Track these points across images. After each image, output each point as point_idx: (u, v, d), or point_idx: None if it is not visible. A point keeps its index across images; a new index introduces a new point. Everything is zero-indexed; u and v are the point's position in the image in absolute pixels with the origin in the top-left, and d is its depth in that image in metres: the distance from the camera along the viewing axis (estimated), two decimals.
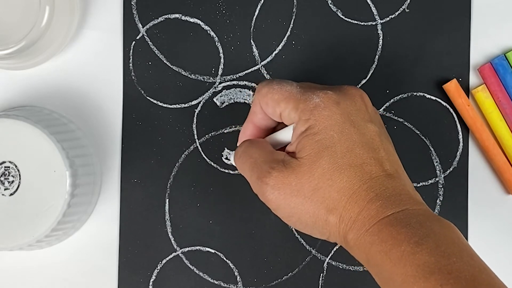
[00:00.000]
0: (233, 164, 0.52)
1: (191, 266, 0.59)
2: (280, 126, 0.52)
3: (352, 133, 0.46)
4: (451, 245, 0.42)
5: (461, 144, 0.59)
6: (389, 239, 0.42)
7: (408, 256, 0.41)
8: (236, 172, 0.59)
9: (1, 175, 0.53)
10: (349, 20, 0.59)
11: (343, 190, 0.45)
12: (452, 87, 0.58)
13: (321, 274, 0.59)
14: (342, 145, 0.46)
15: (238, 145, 0.52)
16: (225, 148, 0.59)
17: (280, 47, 0.59)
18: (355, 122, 0.46)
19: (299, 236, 0.59)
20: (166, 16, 0.59)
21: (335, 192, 0.45)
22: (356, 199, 0.45)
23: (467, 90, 0.59)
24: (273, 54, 0.59)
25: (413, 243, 0.42)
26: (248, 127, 0.52)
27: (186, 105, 0.59)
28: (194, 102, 0.59)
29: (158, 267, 0.59)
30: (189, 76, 0.59)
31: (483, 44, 0.59)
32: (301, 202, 0.45)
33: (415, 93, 0.59)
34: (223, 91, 0.59)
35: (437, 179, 0.59)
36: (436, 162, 0.59)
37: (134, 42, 0.59)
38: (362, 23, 0.59)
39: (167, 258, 0.59)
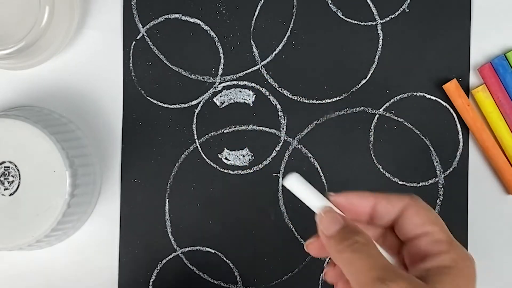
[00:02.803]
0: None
1: (191, 266, 0.59)
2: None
3: None
4: None
5: (461, 144, 0.59)
6: None
7: None
8: (236, 172, 0.59)
9: (1, 175, 0.53)
10: (349, 20, 0.59)
11: None
12: (452, 87, 0.58)
13: (321, 274, 0.59)
14: None
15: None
16: (225, 148, 0.59)
17: (280, 47, 0.59)
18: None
19: (299, 236, 0.59)
20: (166, 16, 0.59)
21: None
22: None
23: (467, 90, 0.59)
24: (273, 54, 0.59)
25: None
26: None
27: (186, 105, 0.59)
28: (194, 102, 0.59)
29: (158, 267, 0.59)
30: (189, 76, 0.59)
31: (483, 44, 0.59)
32: None
33: (415, 93, 0.59)
34: (223, 91, 0.59)
35: (437, 179, 0.59)
36: (436, 162, 0.59)
37: (134, 42, 0.59)
38: (362, 23, 0.59)
39: (167, 258, 0.59)
